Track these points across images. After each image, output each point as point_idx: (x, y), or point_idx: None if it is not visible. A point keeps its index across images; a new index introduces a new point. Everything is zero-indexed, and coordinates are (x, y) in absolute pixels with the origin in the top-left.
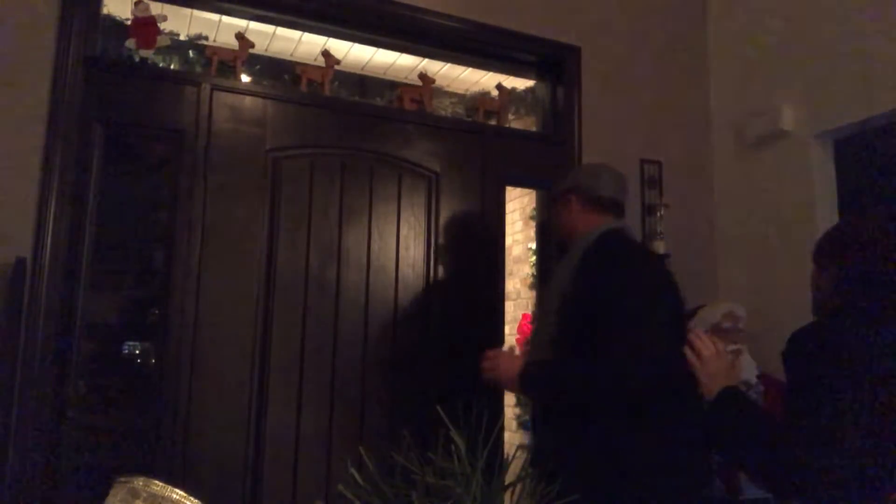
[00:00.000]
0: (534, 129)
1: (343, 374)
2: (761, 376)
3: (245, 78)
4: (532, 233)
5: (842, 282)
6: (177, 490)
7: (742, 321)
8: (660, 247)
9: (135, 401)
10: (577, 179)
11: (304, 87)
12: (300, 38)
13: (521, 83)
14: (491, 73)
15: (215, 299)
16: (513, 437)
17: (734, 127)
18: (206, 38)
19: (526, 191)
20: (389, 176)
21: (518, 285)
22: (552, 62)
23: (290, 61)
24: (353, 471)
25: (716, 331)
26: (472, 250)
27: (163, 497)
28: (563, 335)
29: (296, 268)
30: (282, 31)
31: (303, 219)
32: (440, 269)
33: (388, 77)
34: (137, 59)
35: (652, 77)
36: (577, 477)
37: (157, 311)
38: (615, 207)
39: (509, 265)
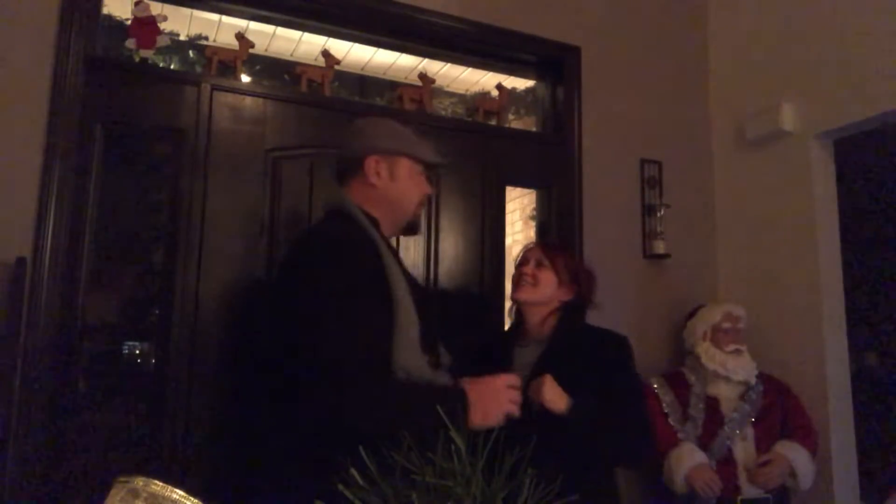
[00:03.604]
0: (534, 129)
1: None
2: (760, 376)
3: (245, 78)
4: (532, 233)
5: (575, 308)
6: (177, 490)
7: (742, 321)
8: (660, 247)
9: (135, 401)
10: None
11: (304, 87)
12: (300, 38)
13: (521, 83)
14: (491, 73)
15: (215, 299)
16: None
17: (734, 127)
18: (206, 38)
19: (526, 191)
20: None
21: None
22: (552, 62)
23: (290, 61)
24: (353, 471)
25: (715, 331)
26: (472, 250)
27: (163, 497)
28: None
29: None
30: (282, 31)
31: (303, 219)
32: (440, 270)
33: (388, 77)
34: (137, 59)
35: (652, 77)
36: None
37: (157, 311)
38: None
39: (509, 265)
